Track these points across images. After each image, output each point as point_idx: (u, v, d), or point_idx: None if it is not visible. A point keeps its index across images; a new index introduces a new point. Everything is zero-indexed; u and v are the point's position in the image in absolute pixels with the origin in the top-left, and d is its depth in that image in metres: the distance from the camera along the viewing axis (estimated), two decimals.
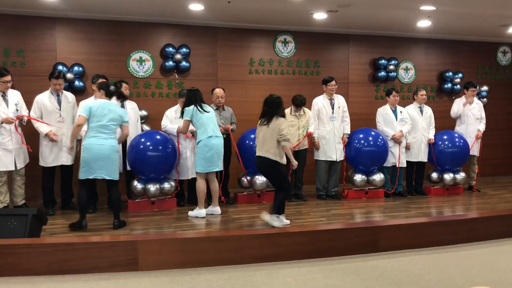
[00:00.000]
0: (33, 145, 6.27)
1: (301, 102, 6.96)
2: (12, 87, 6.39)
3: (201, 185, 6.01)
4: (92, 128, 5.30)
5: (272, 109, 5.43)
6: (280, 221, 5.40)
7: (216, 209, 6.18)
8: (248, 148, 6.84)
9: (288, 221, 5.57)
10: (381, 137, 7.23)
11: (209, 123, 5.97)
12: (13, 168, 5.91)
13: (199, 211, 6.04)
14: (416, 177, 7.74)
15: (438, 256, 4.55)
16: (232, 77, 7.99)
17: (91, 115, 5.29)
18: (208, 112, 6.03)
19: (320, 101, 7.22)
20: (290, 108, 7.06)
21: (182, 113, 6.10)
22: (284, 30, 8.23)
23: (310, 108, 7.25)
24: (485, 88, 9.39)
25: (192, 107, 5.97)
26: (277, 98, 5.50)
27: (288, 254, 4.43)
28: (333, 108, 7.18)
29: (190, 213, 6.10)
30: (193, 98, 6.00)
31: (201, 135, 5.94)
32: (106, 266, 4.10)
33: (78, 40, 7.24)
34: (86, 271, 4.04)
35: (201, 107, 5.99)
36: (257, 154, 5.51)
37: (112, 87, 5.57)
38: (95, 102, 5.46)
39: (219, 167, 6.06)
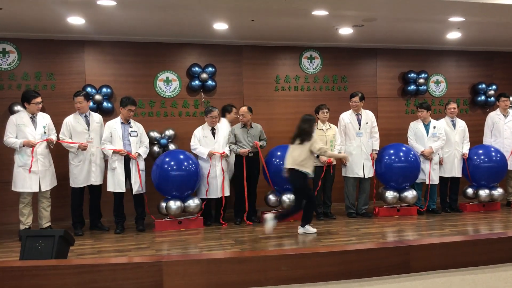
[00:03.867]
0: (63, 166, 6.38)
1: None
2: (43, 110, 6.55)
3: None
4: None
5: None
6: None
7: None
8: (275, 165, 6.76)
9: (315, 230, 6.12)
10: (412, 153, 7.01)
11: None
12: (36, 190, 5.96)
13: None
14: (450, 193, 7.46)
15: (475, 277, 4.31)
16: (258, 95, 7.96)
17: None
18: None
19: (346, 117, 7.10)
20: (316, 123, 6.97)
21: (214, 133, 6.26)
22: (309, 46, 8.18)
23: (336, 124, 7.15)
24: None
25: None
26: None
27: (316, 276, 4.28)
28: (359, 124, 7.04)
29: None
30: None
31: None
32: (130, 287, 4.05)
33: (106, 62, 7.37)
34: None
35: None
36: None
37: None
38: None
39: None
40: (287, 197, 6.75)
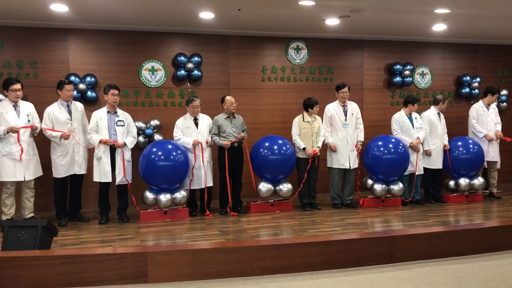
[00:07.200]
0: (46, 156, 6.29)
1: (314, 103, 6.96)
2: (25, 99, 6.44)
3: None
4: None
5: None
6: None
7: None
8: (261, 156, 6.75)
9: None
10: (402, 144, 7.02)
11: None
12: (21, 179, 5.88)
13: None
14: (433, 185, 7.53)
15: (457, 267, 4.37)
16: (244, 85, 7.93)
17: None
18: None
19: (332, 108, 7.10)
20: (301, 114, 6.98)
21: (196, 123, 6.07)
22: (296, 37, 8.15)
23: (322, 115, 7.16)
24: (504, 92, 9.15)
25: None
26: None
27: (301, 266, 4.30)
28: (346, 115, 7.05)
29: None
30: None
31: None
32: (115, 278, 4.02)
33: (90, 50, 7.26)
34: (94, 283, 3.97)
35: None
36: None
37: None
38: None
39: None
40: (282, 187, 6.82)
